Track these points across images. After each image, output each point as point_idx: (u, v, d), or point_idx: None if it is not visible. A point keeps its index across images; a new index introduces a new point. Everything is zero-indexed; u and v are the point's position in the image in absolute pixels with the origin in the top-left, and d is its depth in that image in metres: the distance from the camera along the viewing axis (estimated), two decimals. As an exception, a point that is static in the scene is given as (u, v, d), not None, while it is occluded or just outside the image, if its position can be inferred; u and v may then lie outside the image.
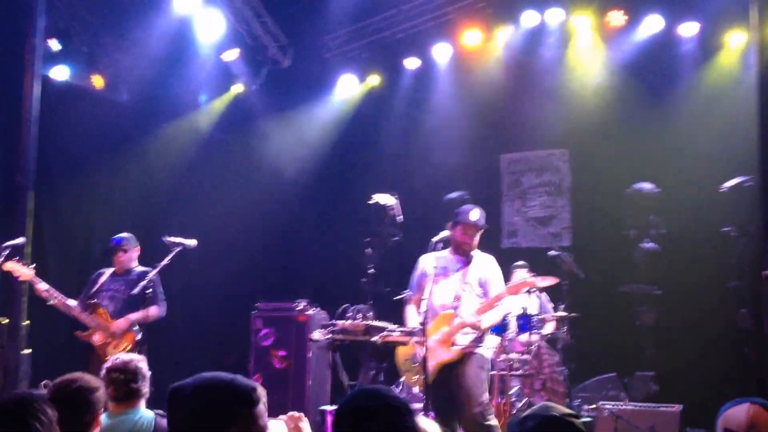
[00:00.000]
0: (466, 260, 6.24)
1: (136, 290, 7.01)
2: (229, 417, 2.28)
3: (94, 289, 7.37)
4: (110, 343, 7.09)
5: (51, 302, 7.10)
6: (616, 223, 9.44)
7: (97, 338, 7.08)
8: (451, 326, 6.00)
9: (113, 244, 7.59)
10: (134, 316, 7.17)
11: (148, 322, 7.27)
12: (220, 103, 11.17)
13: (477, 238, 6.24)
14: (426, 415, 5.61)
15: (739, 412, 2.88)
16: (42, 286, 7.04)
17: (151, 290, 7.11)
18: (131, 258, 7.52)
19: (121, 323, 7.15)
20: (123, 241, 7.54)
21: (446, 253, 6.28)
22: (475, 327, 5.99)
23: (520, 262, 8.68)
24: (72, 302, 7.23)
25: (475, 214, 6.22)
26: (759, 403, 2.91)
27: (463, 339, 6.04)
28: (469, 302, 6.09)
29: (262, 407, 2.39)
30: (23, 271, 6.95)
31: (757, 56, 7.19)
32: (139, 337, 7.13)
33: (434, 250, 6.28)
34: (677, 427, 7.15)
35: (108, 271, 7.56)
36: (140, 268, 7.49)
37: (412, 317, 6.26)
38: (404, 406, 2.30)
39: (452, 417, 5.96)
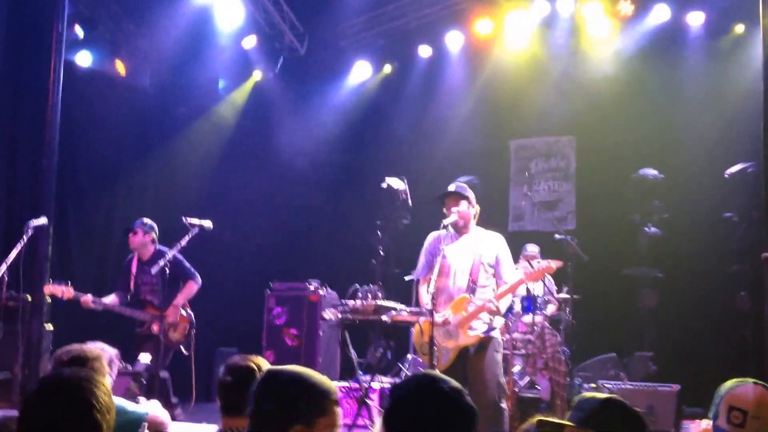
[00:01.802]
0: (475, 238, 6.10)
1: (154, 270, 7.28)
2: (320, 409, 2.39)
3: (132, 282, 7.67)
4: (170, 329, 7.53)
5: (99, 309, 7.49)
6: (621, 208, 9.56)
7: (156, 329, 7.39)
8: (468, 311, 5.89)
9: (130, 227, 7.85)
10: (179, 300, 7.62)
11: (191, 298, 7.77)
12: (239, 89, 11.41)
13: (465, 207, 6.08)
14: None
15: (746, 392, 2.94)
16: (87, 298, 7.39)
17: (177, 270, 7.47)
18: (143, 243, 7.66)
19: (172, 311, 7.54)
20: (135, 225, 7.75)
21: (452, 232, 6.12)
22: (494, 313, 5.92)
23: (532, 246, 8.88)
24: (111, 298, 7.59)
25: (453, 186, 6.16)
26: (762, 385, 2.99)
27: (479, 324, 5.94)
28: (483, 284, 6.00)
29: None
30: (64, 290, 7.30)
31: (763, 44, 7.24)
32: (191, 315, 7.71)
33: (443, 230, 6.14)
34: (675, 407, 7.29)
35: (134, 259, 7.78)
36: (159, 252, 7.65)
37: (426, 297, 6.02)
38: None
39: None
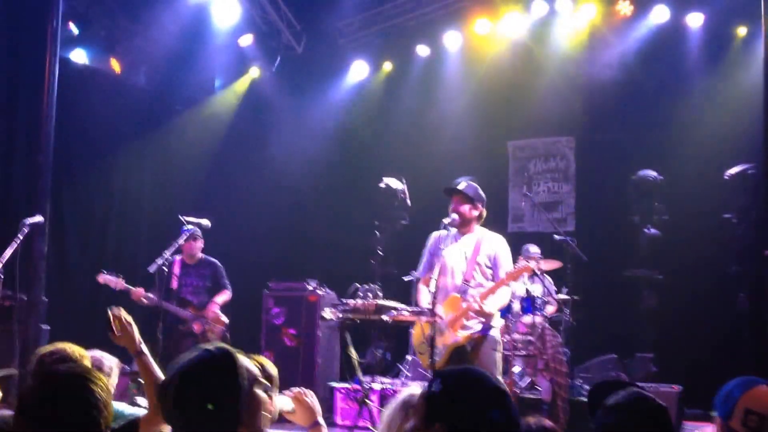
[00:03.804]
0: (474, 238, 6.12)
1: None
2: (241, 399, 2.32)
3: (176, 284, 7.97)
4: (208, 329, 7.87)
5: (145, 302, 7.71)
6: (620, 209, 9.54)
7: (197, 327, 7.83)
8: (458, 311, 5.92)
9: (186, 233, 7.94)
10: (219, 299, 8.02)
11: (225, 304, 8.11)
12: (236, 88, 11.36)
13: (468, 209, 6.10)
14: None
15: (762, 395, 2.87)
16: (138, 291, 7.70)
17: (220, 278, 8.15)
18: (199, 248, 8.06)
19: (212, 309, 7.95)
20: (193, 232, 7.93)
21: (454, 232, 6.14)
22: (480, 313, 5.91)
23: (534, 247, 8.87)
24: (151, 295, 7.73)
25: (462, 184, 6.16)
26: None
27: (473, 323, 5.96)
28: (478, 284, 6.02)
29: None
30: (117, 282, 7.72)
31: (764, 45, 7.26)
32: (227, 320, 8.03)
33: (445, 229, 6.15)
34: (676, 408, 7.30)
35: (177, 261, 8.05)
36: (207, 259, 8.18)
37: (425, 297, 6.11)
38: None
39: None
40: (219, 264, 8.21)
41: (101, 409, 2.38)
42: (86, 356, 3.79)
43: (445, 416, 2.24)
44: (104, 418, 2.38)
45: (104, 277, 7.74)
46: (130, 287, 7.68)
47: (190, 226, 7.79)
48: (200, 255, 8.16)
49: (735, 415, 2.87)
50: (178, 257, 8.06)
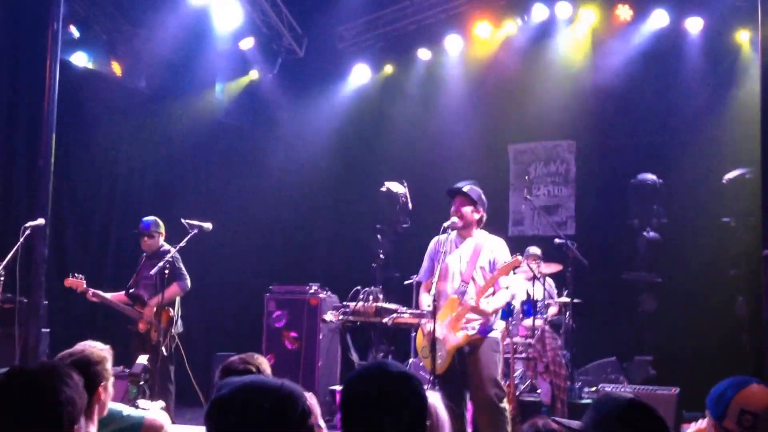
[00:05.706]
0: (474, 242, 6.12)
1: (153, 271, 7.35)
2: None
3: (136, 278, 7.76)
4: (151, 329, 7.57)
5: (105, 302, 7.64)
6: (620, 213, 9.59)
7: (141, 327, 7.53)
8: (456, 312, 5.92)
9: (140, 228, 7.90)
10: (154, 300, 7.62)
11: (173, 299, 7.68)
12: (235, 90, 11.38)
13: (470, 211, 6.10)
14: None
15: (755, 394, 2.88)
16: (89, 292, 7.62)
17: (169, 269, 7.50)
18: (157, 243, 7.77)
19: (147, 311, 7.61)
20: (150, 227, 7.83)
21: (454, 236, 6.14)
22: (477, 312, 5.90)
23: (534, 248, 8.90)
24: (118, 293, 7.70)
25: (465, 187, 6.15)
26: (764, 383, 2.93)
27: (472, 324, 5.95)
28: (478, 286, 5.98)
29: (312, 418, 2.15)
30: (79, 284, 7.62)
31: (761, 51, 7.29)
32: (171, 313, 7.62)
33: (445, 233, 6.13)
34: (674, 410, 7.33)
35: (145, 254, 7.91)
36: (162, 250, 7.79)
37: (426, 301, 6.12)
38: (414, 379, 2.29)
39: (461, 399, 5.96)
40: (174, 252, 7.61)
41: (65, 405, 2.34)
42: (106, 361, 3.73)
43: None
44: (68, 417, 2.35)
45: (71, 281, 7.66)
46: (88, 289, 7.62)
47: (144, 220, 7.75)
48: (160, 248, 7.83)
49: (729, 415, 2.89)
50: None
